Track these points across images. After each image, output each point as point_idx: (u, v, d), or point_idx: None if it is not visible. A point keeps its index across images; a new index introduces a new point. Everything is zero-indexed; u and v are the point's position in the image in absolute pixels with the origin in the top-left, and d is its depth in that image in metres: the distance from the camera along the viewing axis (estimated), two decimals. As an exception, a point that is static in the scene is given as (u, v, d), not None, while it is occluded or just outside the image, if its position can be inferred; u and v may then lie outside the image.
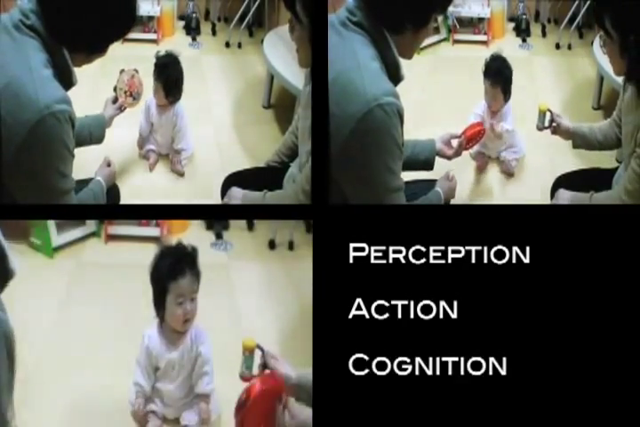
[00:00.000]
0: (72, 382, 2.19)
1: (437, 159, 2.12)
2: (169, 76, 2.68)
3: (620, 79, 1.92)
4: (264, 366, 1.64)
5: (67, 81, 1.64)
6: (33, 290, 2.62)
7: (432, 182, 2.01)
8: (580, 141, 2.17)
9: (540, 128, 2.21)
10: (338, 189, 1.68)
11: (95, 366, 2.26)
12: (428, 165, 2.10)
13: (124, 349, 2.12)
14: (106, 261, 2.97)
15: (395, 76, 1.65)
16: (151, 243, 3.00)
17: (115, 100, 2.43)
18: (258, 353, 1.65)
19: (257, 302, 2.69)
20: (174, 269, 1.89)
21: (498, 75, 2.62)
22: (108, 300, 2.66)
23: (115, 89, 2.44)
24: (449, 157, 2.16)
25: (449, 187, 1.98)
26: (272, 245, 3.05)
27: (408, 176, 1.89)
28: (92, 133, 2.27)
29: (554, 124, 2.18)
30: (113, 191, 2.15)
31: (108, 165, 2.17)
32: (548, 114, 2.18)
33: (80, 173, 2.00)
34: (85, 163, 2.20)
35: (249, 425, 1.55)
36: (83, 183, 1.99)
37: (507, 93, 2.65)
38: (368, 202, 1.68)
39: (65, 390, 2.15)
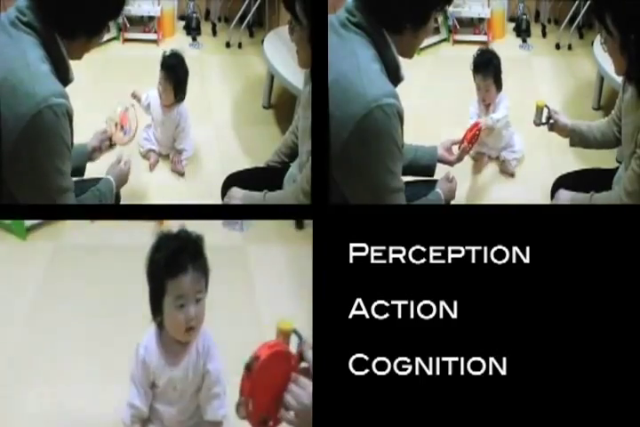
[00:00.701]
0: (48, 394, 1.94)
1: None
2: (178, 76, 2.68)
3: (620, 79, 1.92)
4: (299, 356, 1.38)
5: (64, 77, 1.65)
6: (1, 279, 2.38)
7: (432, 183, 2.01)
8: (578, 139, 2.16)
9: (537, 124, 2.20)
10: (338, 189, 1.68)
11: (77, 375, 2.03)
12: (429, 172, 2.10)
13: (114, 354, 1.90)
14: (91, 244, 2.64)
15: (395, 76, 1.65)
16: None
17: (104, 132, 2.22)
18: (294, 340, 1.40)
19: (279, 295, 2.40)
20: (172, 264, 1.57)
21: (487, 66, 2.63)
22: (95, 292, 2.39)
23: (106, 121, 2.25)
24: (451, 163, 2.16)
25: (449, 188, 1.98)
26: (300, 223, 2.63)
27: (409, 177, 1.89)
28: (72, 163, 2.00)
29: (551, 121, 2.18)
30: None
31: (122, 163, 2.07)
32: (545, 110, 2.17)
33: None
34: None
35: (256, 391, 1.29)
36: (90, 182, 1.97)
37: (498, 84, 2.66)
38: (368, 203, 1.68)
39: (40, 404, 1.90)
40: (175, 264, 1.57)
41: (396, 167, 1.66)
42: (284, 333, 1.38)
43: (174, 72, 2.67)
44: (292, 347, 1.39)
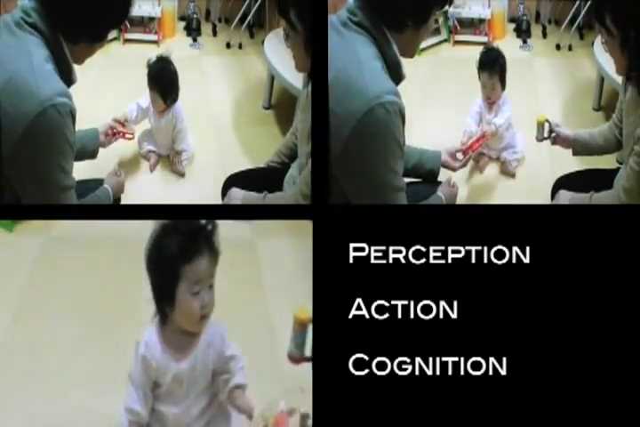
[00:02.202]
0: (38, 401, 1.83)
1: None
2: (164, 82, 2.67)
3: (620, 80, 1.92)
4: None
5: (67, 78, 1.66)
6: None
7: (434, 184, 2.02)
8: (581, 148, 2.17)
9: (540, 139, 2.23)
10: (338, 187, 1.68)
11: (70, 380, 1.93)
12: (433, 176, 2.10)
13: (110, 356, 1.84)
14: (84, 236, 2.49)
15: (396, 74, 1.66)
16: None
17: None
18: (311, 329, 1.44)
19: (293, 292, 2.18)
20: (188, 248, 1.48)
21: (494, 64, 2.64)
22: (88, 288, 2.31)
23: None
24: (454, 169, 2.17)
25: (450, 192, 1.99)
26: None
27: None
28: (86, 147, 2.18)
29: (553, 135, 2.19)
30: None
31: (118, 174, 2.13)
32: (546, 125, 2.20)
33: (81, 174, 1.99)
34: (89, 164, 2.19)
35: None
36: (90, 183, 2.00)
37: (503, 83, 2.67)
38: (369, 201, 1.68)
39: (30, 407, 1.80)
40: (191, 248, 1.48)
41: (397, 166, 1.66)
42: (300, 322, 1.39)
43: (159, 79, 2.66)
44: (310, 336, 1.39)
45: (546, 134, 2.21)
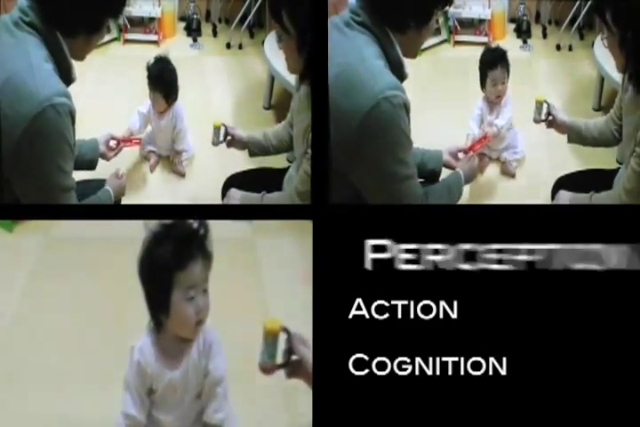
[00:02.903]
0: (37, 397, 1.84)
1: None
2: (165, 82, 2.67)
3: (620, 80, 1.92)
4: (289, 351, 1.38)
5: (66, 77, 1.67)
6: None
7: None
8: (575, 136, 2.18)
9: (537, 120, 2.23)
10: (348, 182, 1.68)
11: (69, 380, 1.95)
12: (435, 176, 2.10)
13: (110, 356, 1.81)
14: (84, 236, 2.48)
15: (398, 74, 1.67)
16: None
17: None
18: (283, 338, 1.39)
19: (292, 293, 2.28)
20: (181, 255, 1.46)
21: (503, 58, 2.66)
22: (88, 288, 2.31)
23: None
24: (455, 169, 2.17)
25: (470, 167, 2.00)
26: None
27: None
28: (84, 157, 2.10)
29: (550, 118, 2.20)
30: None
31: (119, 176, 2.09)
32: (544, 105, 2.20)
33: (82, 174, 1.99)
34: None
35: None
36: (92, 182, 2.00)
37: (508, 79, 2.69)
38: (382, 193, 1.70)
39: (30, 408, 1.80)
40: (184, 254, 1.46)
41: (406, 156, 1.68)
42: (272, 332, 1.36)
43: (160, 80, 2.65)
44: (281, 344, 1.37)
45: (543, 116, 2.21)
